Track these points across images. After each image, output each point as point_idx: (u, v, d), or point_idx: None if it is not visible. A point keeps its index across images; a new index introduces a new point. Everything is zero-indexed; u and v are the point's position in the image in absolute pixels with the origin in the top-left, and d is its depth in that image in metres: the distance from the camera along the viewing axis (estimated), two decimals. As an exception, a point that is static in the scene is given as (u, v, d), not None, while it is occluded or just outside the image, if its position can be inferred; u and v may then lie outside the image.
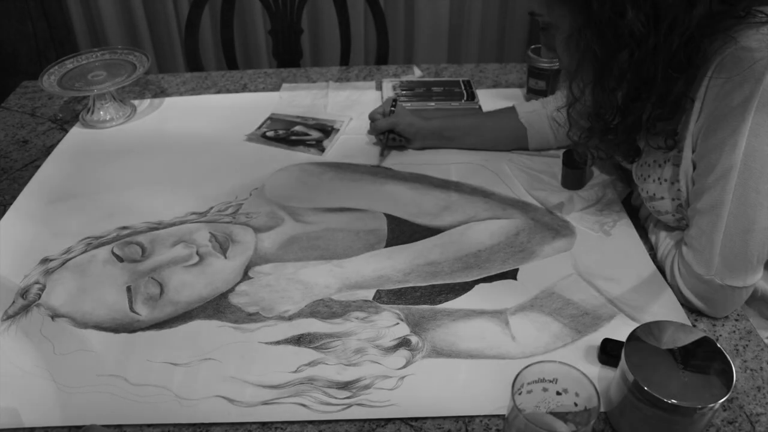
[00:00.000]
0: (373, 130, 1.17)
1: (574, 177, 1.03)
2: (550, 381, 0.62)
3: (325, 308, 0.83)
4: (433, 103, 1.29)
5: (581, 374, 0.60)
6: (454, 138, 1.14)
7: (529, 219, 0.98)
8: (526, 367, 0.61)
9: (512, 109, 1.14)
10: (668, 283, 0.85)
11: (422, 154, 1.15)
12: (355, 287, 0.86)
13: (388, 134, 1.13)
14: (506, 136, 1.13)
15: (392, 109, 1.15)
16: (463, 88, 1.33)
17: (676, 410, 0.60)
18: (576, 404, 0.62)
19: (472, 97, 1.30)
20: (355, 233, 0.96)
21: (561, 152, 1.07)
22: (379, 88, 1.37)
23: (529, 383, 0.62)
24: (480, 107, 1.28)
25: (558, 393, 0.63)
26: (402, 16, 2.18)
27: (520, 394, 0.61)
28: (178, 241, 0.94)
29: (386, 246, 0.94)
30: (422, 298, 0.84)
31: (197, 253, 0.91)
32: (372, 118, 1.17)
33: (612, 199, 1.01)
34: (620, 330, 0.78)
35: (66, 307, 0.84)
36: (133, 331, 0.80)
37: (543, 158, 1.12)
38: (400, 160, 1.13)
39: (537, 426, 0.56)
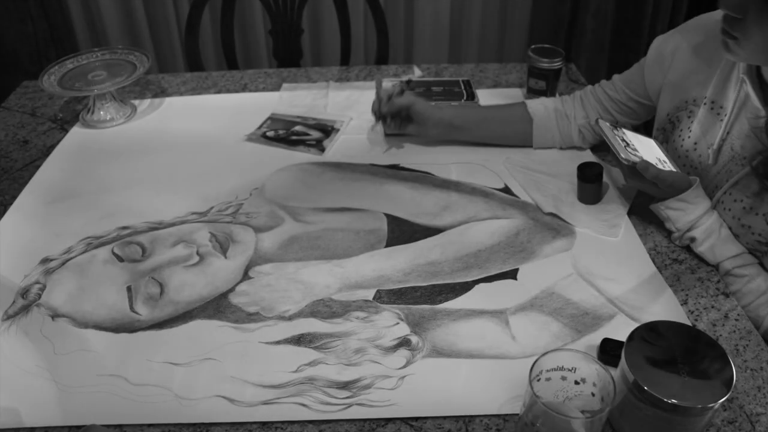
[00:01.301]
0: (390, 107, 1.09)
1: (590, 191, 1.01)
2: (569, 370, 0.63)
3: (325, 308, 0.83)
4: (432, 103, 1.29)
5: (598, 363, 0.61)
6: (463, 128, 1.12)
7: (529, 219, 0.98)
8: (545, 354, 0.61)
9: (522, 103, 1.13)
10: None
11: (424, 154, 1.15)
12: (355, 287, 0.86)
13: (393, 118, 1.09)
14: (513, 129, 1.12)
15: (403, 88, 1.10)
16: (462, 87, 1.34)
17: (676, 410, 0.60)
18: (593, 394, 0.62)
19: (471, 96, 1.30)
20: (355, 233, 0.96)
21: (560, 153, 1.07)
22: (379, 87, 1.37)
23: (548, 370, 0.62)
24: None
25: (576, 382, 0.63)
26: (402, 16, 2.18)
27: (538, 380, 0.61)
28: (179, 240, 0.94)
29: (386, 246, 0.94)
30: (422, 298, 0.84)
31: (197, 253, 0.91)
32: (384, 96, 1.10)
33: (617, 203, 1.01)
34: (620, 330, 0.78)
35: (66, 306, 0.84)
36: (134, 330, 0.80)
37: (540, 158, 1.13)
38: (403, 159, 1.13)
39: (552, 410, 0.56)
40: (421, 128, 1.12)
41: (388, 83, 1.35)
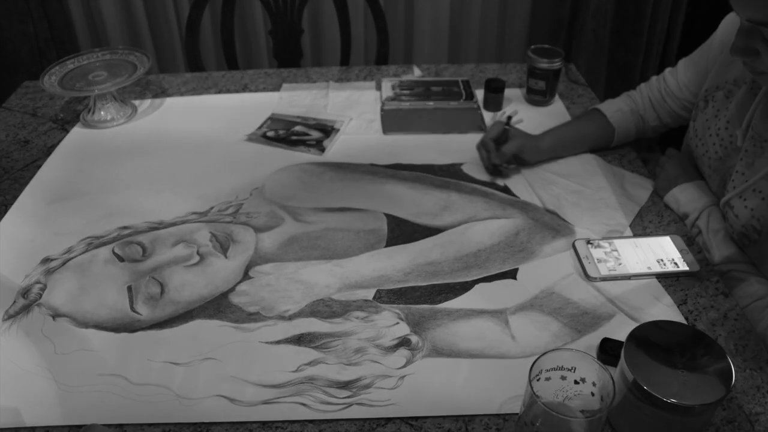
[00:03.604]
0: (500, 158, 1.06)
1: (494, 100, 1.27)
2: (569, 369, 0.63)
3: (325, 308, 0.83)
4: (431, 103, 1.29)
5: (598, 363, 0.61)
6: (564, 153, 1.13)
7: (529, 219, 0.98)
8: (545, 353, 0.61)
9: (599, 112, 1.14)
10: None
11: (424, 154, 1.15)
12: (355, 287, 0.86)
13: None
14: (599, 140, 1.15)
15: (506, 127, 1.09)
16: (461, 87, 1.34)
17: (675, 409, 0.60)
18: (593, 394, 0.62)
19: (470, 96, 1.30)
20: (355, 233, 0.96)
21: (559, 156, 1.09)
22: (378, 88, 1.38)
23: (547, 370, 0.62)
24: (479, 107, 1.28)
25: (576, 382, 0.63)
26: (402, 16, 2.18)
27: (538, 380, 0.62)
28: (179, 240, 0.94)
29: (386, 246, 0.94)
30: (422, 297, 0.85)
31: (198, 253, 0.92)
32: (487, 146, 1.08)
33: (620, 212, 1.00)
34: (619, 329, 0.78)
35: (67, 306, 0.84)
36: (134, 330, 0.80)
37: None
38: (403, 159, 1.13)
39: (552, 410, 0.56)
40: (525, 162, 1.11)
41: (387, 82, 1.35)
